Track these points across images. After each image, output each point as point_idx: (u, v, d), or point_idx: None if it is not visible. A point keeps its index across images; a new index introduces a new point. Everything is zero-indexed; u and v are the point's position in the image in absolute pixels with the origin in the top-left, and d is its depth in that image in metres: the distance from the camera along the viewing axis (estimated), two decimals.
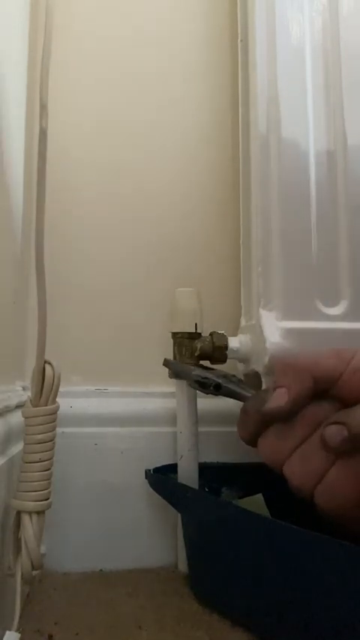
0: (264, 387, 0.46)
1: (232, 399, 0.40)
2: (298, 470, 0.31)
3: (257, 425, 0.33)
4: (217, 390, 0.40)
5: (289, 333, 0.46)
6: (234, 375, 0.42)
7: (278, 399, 0.32)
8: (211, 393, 0.40)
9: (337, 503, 0.30)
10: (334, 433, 0.30)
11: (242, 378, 0.49)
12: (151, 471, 0.49)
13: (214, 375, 0.41)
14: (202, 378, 0.41)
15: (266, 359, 0.45)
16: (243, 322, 0.53)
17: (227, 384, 0.40)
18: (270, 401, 0.32)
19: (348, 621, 0.33)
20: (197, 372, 0.42)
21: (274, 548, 0.37)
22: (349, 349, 0.33)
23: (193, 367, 0.45)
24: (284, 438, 0.32)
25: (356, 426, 0.29)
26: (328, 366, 0.33)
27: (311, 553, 0.34)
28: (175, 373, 0.48)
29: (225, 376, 0.41)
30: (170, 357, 0.49)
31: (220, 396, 0.41)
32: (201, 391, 0.42)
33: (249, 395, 0.38)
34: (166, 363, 0.49)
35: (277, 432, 0.32)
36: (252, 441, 0.34)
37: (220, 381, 0.40)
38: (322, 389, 0.33)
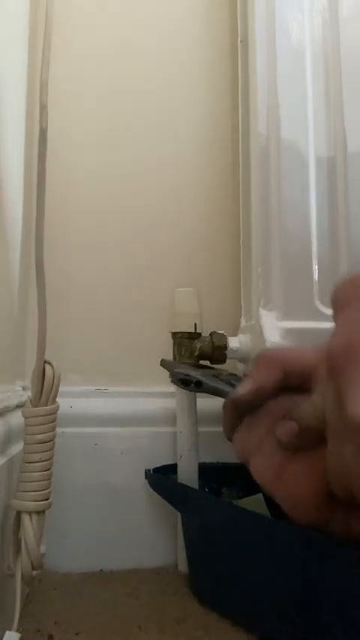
0: None
1: None
2: (260, 467, 0.29)
3: (232, 421, 0.31)
4: (198, 387, 0.39)
5: (289, 333, 0.46)
6: (232, 374, 0.42)
7: (242, 388, 0.30)
8: (194, 391, 0.40)
9: (293, 505, 0.27)
10: (285, 429, 0.28)
11: (242, 378, 0.48)
12: (151, 471, 0.49)
13: (197, 373, 0.40)
14: (184, 375, 0.40)
15: None
16: (243, 322, 0.53)
17: (213, 382, 0.39)
18: (235, 390, 0.31)
19: (347, 621, 0.33)
20: (180, 369, 0.42)
21: (274, 548, 0.37)
22: None
23: (180, 365, 0.45)
24: (251, 433, 0.30)
25: (304, 419, 0.27)
26: (305, 360, 0.30)
27: (311, 553, 0.34)
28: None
29: (216, 375, 0.41)
30: (170, 357, 0.49)
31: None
32: (184, 388, 0.41)
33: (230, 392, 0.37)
34: (162, 362, 0.48)
35: (247, 427, 0.30)
36: (231, 438, 0.33)
37: (202, 378, 0.39)
38: (298, 383, 0.30)
